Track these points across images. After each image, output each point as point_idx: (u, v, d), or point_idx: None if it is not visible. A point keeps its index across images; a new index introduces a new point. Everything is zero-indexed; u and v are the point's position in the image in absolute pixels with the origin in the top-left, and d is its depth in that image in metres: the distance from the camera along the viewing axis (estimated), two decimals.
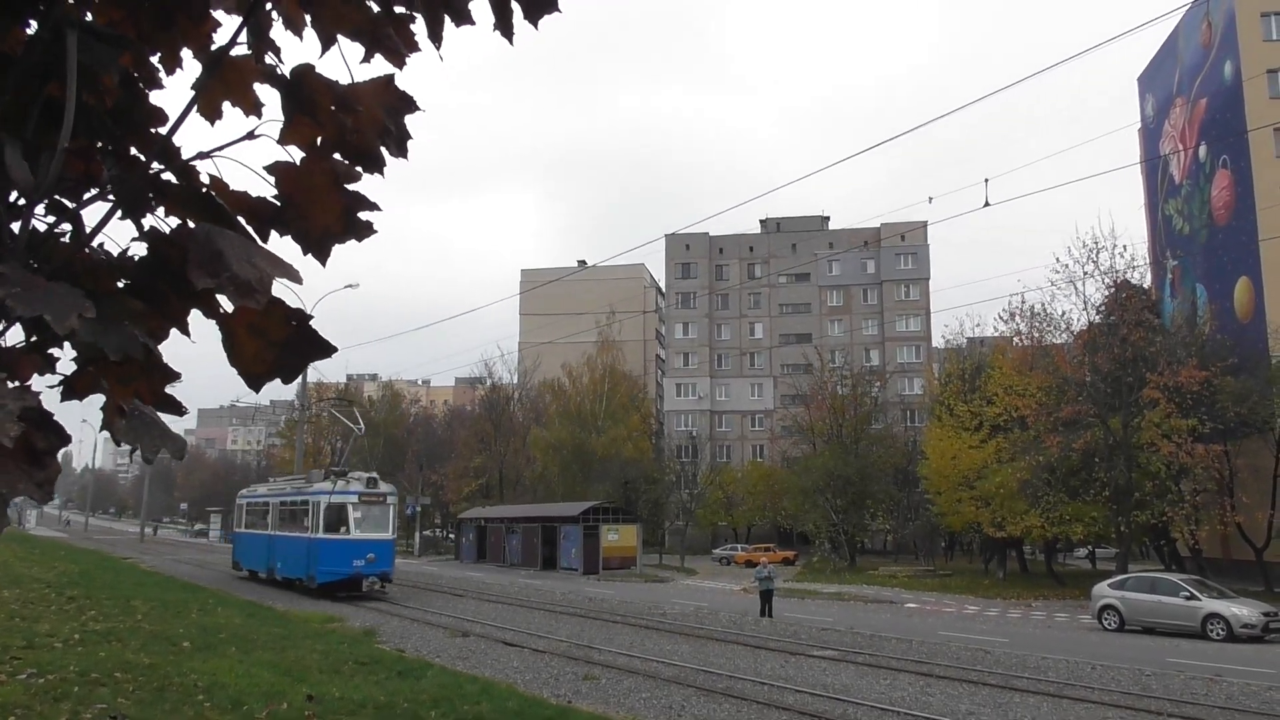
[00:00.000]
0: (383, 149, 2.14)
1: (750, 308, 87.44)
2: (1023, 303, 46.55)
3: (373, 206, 2.02)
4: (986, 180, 23.10)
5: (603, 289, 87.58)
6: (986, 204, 23.27)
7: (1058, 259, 66.64)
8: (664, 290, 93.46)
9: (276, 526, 34.04)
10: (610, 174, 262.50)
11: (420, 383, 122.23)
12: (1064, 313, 47.36)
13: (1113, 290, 40.17)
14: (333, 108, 2.02)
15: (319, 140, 2.04)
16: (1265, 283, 41.81)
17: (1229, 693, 15.47)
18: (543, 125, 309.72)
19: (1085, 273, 39.61)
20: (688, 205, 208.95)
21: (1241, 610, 24.84)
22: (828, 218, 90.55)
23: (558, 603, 30.31)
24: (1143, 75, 56.63)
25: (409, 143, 2.17)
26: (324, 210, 1.98)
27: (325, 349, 1.91)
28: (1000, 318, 46.74)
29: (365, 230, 2.02)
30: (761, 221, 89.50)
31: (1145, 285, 46.04)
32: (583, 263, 79.76)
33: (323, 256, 2.01)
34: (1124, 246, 56.89)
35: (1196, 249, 48.60)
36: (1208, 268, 47.32)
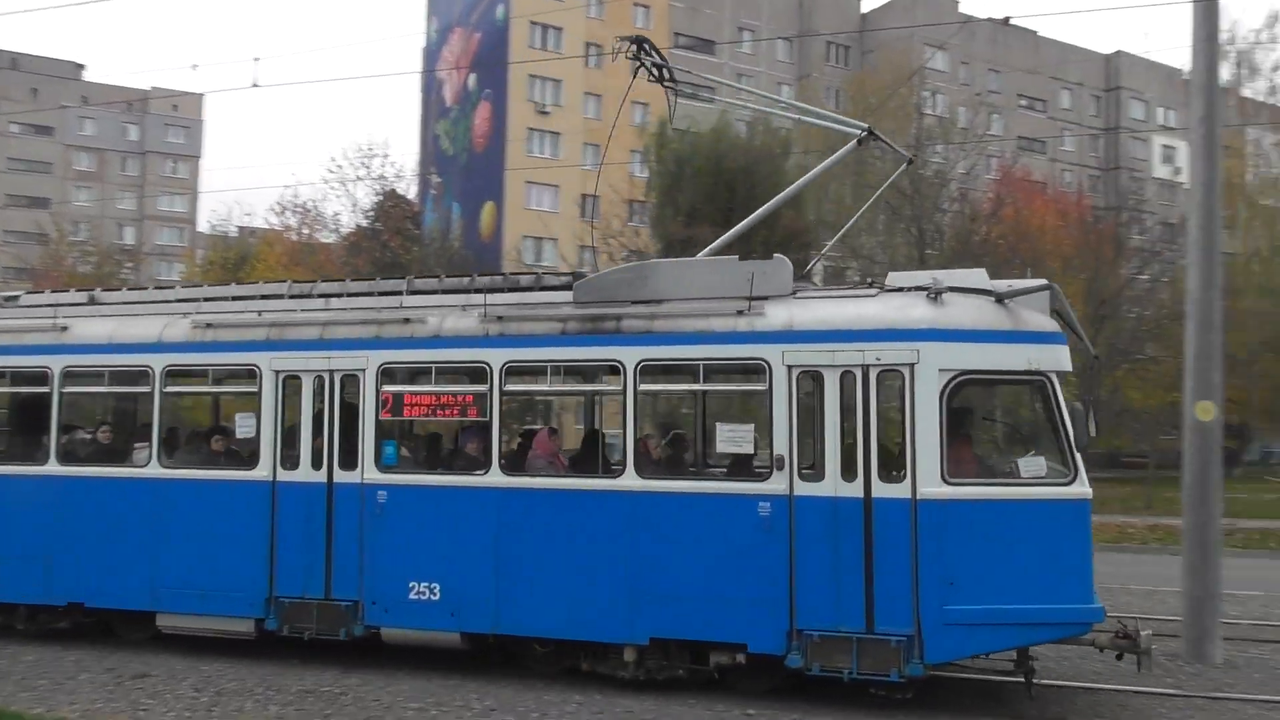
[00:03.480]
0: None
1: None
2: (296, 197, 45.55)
3: None
4: (257, 59, 21.30)
5: None
6: (255, 85, 21.44)
7: (334, 159, 67.20)
8: None
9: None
10: None
11: None
12: (335, 214, 47.67)
13: (381, 197, 41.39)
14: None
15: None
16: (506, 208, 47.21)
17: None
18: None
19: (358, 177, 40.08)
20: None
21: None
22: (83, 66, 78.10)
23: None
24: None
25: None
26: None
27: None
28: (274, 210, 45.49)
29: None
30: None
31: (411, 197, 48.64)
32: None
33: None
34: (393, 158, 59.21)
35: (457, 170, 52.84)
36: (464, 189, 51.79)
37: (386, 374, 9.26)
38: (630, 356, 8.64)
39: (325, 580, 9.20)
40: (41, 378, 10.27)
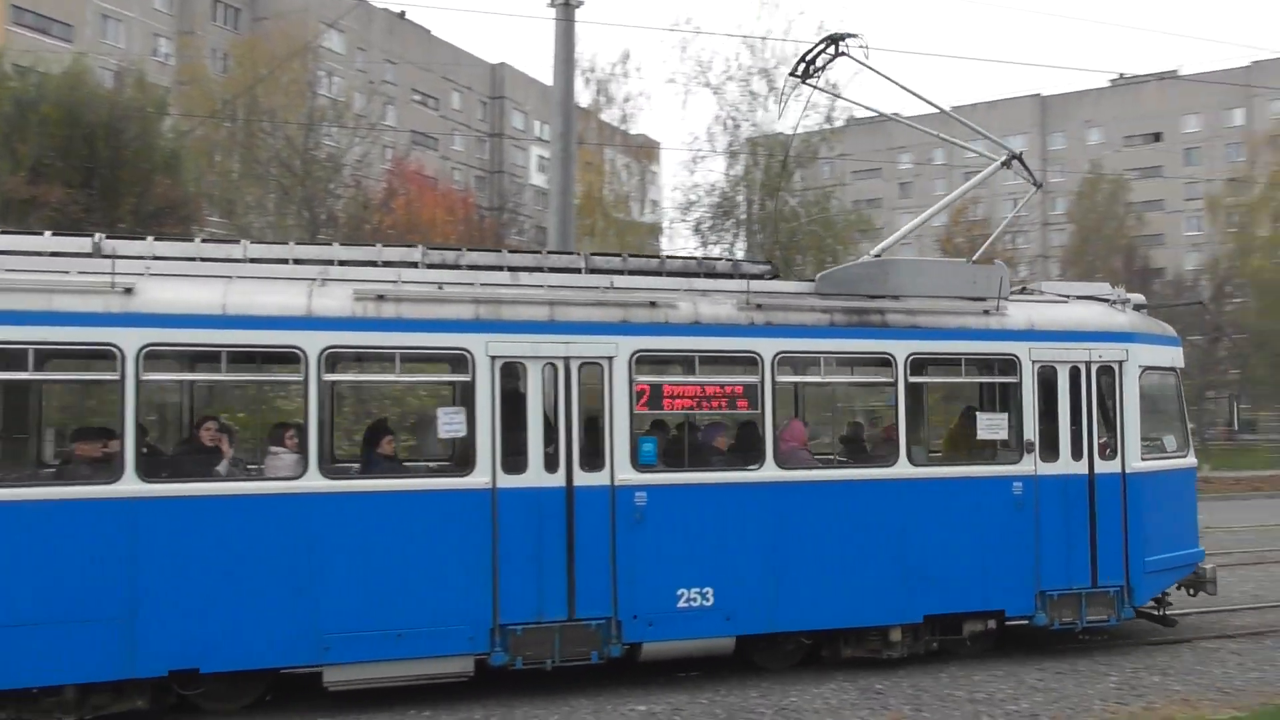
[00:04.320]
0: None
1: None
2: None
3: None
4: None
5: None
6: None
7: None
8: None
9: None
10: None
11: None
12: None
13: None
14: None
15: None
16: None
17: None
18: None
19: None
20: None
21: None
22: None
23: None
24: None
25: None
26: None
27: None
28: None
29: None
30: None
31: None
32: None
33: None
34: None
35: None
36: None
37: (641, 362, 8.47)
38: (900, 350, 9.09)
39: (568, 599, 8.10)
40: (104, 357, 7.44)
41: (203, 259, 8.11)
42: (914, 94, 10.99)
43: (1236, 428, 13.37)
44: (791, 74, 10.89)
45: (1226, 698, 8.26)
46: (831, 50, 10.36)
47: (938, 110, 11.18)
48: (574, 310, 8.43)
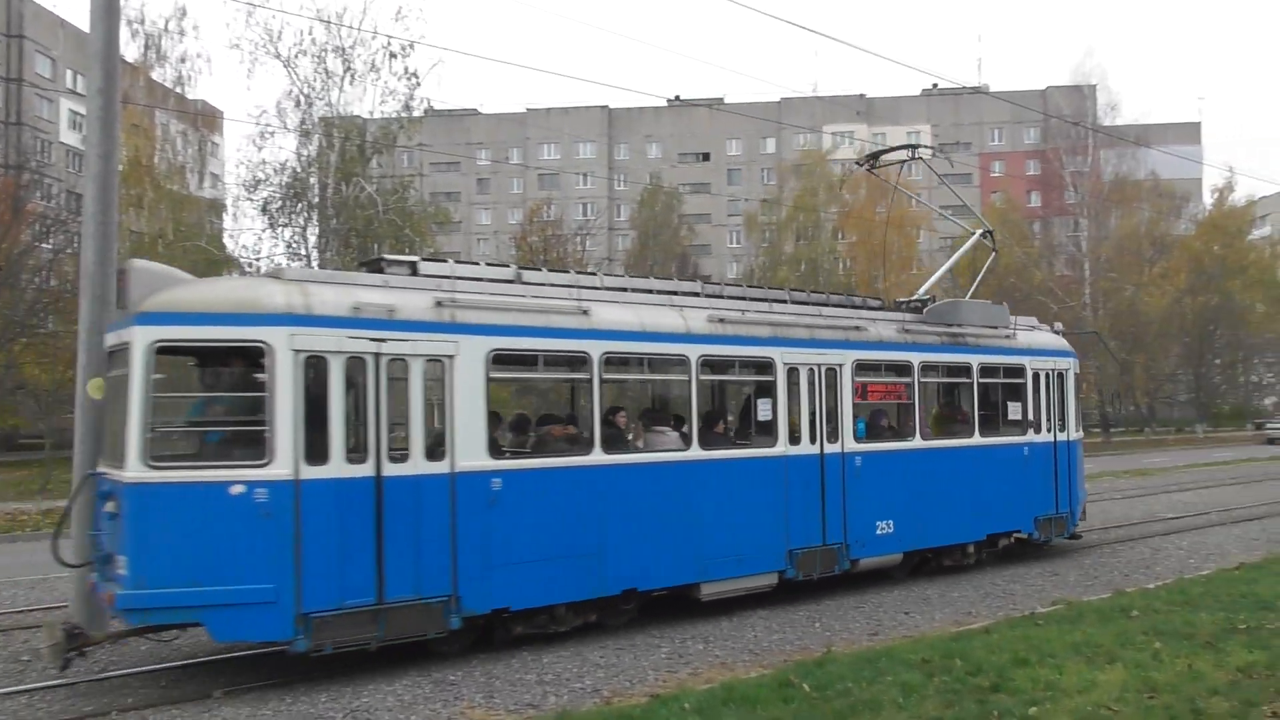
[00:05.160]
0: None
1: None
2: None
3: None
4: None
5: None
6: None
7: None
8: None
9: None
10: None
11: None
12: None
13: None
14: None
15: None
16: None
17: None
18: None
19: None
20: None
21: None
22: None
23: None
24: None
25: None
26: None
27: None
28: None
29: None
30: None
31: None
32: None
33: None
34: None
35: None
36: None
37: (858, 368, 12.21)
38: (975, 361, 13.69)
39: (821, 530, 11.64)
40: (580, 362, 9.94)
41: (574, 286, 10.30)
42: (959, 197, 16.29)
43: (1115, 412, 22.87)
44: (857, 163, 14.59)
45: (756, 658, 9.28)
46: (906, 154, 15.01)
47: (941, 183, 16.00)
48: (822, 332, 11.96)
